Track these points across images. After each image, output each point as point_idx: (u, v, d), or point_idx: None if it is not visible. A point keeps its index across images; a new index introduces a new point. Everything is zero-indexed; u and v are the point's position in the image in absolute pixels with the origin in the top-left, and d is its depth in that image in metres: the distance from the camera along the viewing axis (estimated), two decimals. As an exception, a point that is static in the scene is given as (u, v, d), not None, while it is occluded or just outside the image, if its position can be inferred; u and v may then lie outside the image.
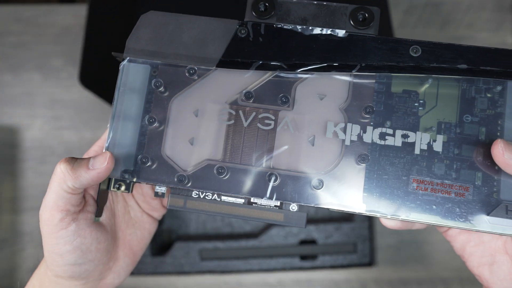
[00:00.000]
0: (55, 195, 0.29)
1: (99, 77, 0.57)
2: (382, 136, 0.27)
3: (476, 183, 0.26)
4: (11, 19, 0.68)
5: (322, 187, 0.27)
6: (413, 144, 0.27)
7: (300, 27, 0.28)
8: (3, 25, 0.68)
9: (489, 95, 0.27)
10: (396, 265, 0.61)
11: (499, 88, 0.26)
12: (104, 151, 0.29)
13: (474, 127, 0.26)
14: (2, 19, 0.68)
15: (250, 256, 0.58)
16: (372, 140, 0.27)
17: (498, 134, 0.26)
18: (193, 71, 0.28)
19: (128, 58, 0.29)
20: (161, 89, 0.28)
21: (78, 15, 0.68)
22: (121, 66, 0.29)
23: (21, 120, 0.66)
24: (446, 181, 0.26)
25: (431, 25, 0.67)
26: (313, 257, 0.57)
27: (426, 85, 0.27)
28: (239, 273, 0.61)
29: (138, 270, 0.59)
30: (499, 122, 0.26)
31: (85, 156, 0.32)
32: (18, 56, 0.67)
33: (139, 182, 0.29)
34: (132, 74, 0.29)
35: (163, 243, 0.60)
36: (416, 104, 0.27)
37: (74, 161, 0.28)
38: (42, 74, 0.67)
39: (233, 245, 0.58)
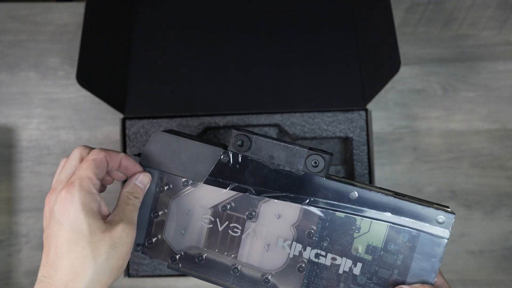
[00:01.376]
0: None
1: (97, 76, 0.56)
2: (317, 256, 0.36)
3: None
4: (7, 17, 0.67)
5: (269, 283, 0.37)
6: (338, 266, 0.35)
7: (268, 162, 0.36)
8: (-1, 23, 0.67)
9: (408, 236, 0.34)
10: (398, 267, 0.61)
11: (414, 233, 0.34)
12: None
13: (393, 255, 0.34)
14: (-2, 17, 0.67)
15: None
16: (309, 257, 0.36)
17: (403, 267, 0.35)
18: (187, 183, 0.38)
19: (143, 164, 0.39)
20: (164, 193, 0.38)
21: (75, 13, 0.67)
22: None
23: (17, 119, 0.65)
24: None
25: (433, 23, 0.66)
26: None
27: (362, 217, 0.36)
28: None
29: (137, 273, 0.58)
30: (409, 255, 0.35)
31: None
32: (14, 55, 0.66)
33: (146, 255, 0.39)
34: None
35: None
36: (353, 227, 0.35)
37: None
38: (39, 73, 0.66)
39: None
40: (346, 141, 0.62)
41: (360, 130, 0.60)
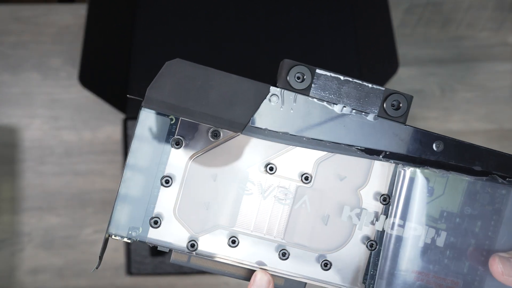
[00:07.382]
0: None
1: (99, 77, 0.56)
2: (393, 226, 0.28)
3: (466, 278, 0.27)
4: (9, 18, 0.68)
5: (329, 267, 0.28)
6: (418, 237, 0.27)
7: (334, 104, 0.27)
8: (1, 25, 0.68)
9: (491, 191, 0.27)
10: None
11: (503, 191, 0.27)
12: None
13: (472, 220, 0.27)
14: (0, 18, 0.68)
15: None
16: (383, 229, 0.28)
17: (490, 234, 0.27)
18: (217, 133, 0.27)
19: (146, 108, 0.26)
20: (179, 149, 0.27)
21: (77, 14, 0.68)
22: (139, 115, 0.26)
23: (20, 120, 0.66)
24: (441, 275, 0.27)
25: (431, 25, 0.67)
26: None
27: (439, 175, 0.28)
28: (239, 274, 0.61)
29: (138, 271, 0.58)
30: (495, 218, 0.27)
31: None
32: (17, 56, 0.67)
33: (147, 243, 0.27)
34: (151, 125, 0.27)
35: (163, 243, 0.60)
36: (425, 191, 0.27)
37: None
38: (41, 74, 0.67)
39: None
40: (345, 141, 0.62)
41: (359, 130, 0.60)
